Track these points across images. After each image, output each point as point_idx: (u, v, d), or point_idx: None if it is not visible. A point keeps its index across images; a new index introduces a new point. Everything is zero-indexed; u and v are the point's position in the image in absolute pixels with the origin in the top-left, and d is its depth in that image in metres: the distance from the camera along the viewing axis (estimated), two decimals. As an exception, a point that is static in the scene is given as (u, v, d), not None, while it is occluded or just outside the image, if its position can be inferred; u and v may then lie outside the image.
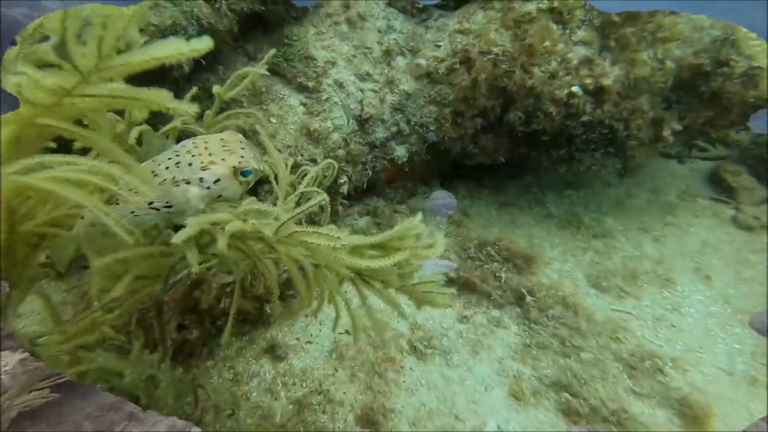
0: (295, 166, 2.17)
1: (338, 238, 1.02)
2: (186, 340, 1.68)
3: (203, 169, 0.99)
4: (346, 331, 2.06)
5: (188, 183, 0.99)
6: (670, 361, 2.05)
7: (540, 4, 2.07)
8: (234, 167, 0.99)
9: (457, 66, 2.21)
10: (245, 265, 1.26)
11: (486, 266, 2.55)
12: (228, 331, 1.22)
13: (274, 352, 1.96)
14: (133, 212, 1.03)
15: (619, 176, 3.28)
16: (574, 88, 2.05)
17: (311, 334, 2.10)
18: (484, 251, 2.62)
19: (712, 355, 2.12)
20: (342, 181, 2.34)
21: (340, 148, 2.29)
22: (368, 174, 2.54)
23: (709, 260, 2.61)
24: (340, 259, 1.04)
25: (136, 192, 0.93)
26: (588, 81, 2.03)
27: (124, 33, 0.80)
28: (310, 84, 2.24)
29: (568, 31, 2.04)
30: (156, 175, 1.00)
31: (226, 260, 1.27)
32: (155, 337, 1.39)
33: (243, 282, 1.71)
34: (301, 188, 1.62)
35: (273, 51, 1.69)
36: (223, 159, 1.00)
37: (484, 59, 2.18)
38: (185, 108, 0.85)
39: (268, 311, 2.00)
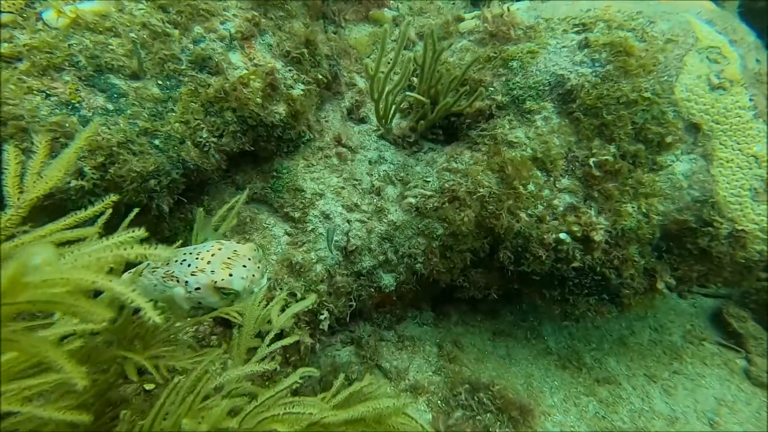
0: (269, 301, 2.05)
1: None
2: None
3: (192, 274, 1.06)
4: None
5: (178, 281, 1.08)
6: None
7: (524, 152, 2.13)
8: (214, 283, 1.04)
9: (446, 204, 2.21)
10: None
11: (479, 417, 2.26)
12: None
13: None
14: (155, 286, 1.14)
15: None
16: (562, 236, 2.01)
17: None
18: (476, 398, 2.35)
19: None
20: (322, 316, 2.19)
21: (322, 281, 2.19)
22: (352, 306, 2.40)
23: (726, 423, 2.32)
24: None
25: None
26: (575, 228, 1.99)
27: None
28: (297, 215, 2.23)
29: (552, 179, 2.07)
30: (167, 264, 1.12)
31: None
32: None
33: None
34: (275, 325, 1.50)
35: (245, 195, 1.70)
36: (212, 271, 1.05)
37: (472, 198, 2.19)
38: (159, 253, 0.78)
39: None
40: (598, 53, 2.13)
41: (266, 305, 1.52)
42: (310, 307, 2.16)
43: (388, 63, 2.30)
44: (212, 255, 1.10)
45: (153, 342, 1.47)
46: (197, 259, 1.10)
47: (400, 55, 2.13)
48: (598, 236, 1.97)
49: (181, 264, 1.12)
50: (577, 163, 2.04)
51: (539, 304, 2.42)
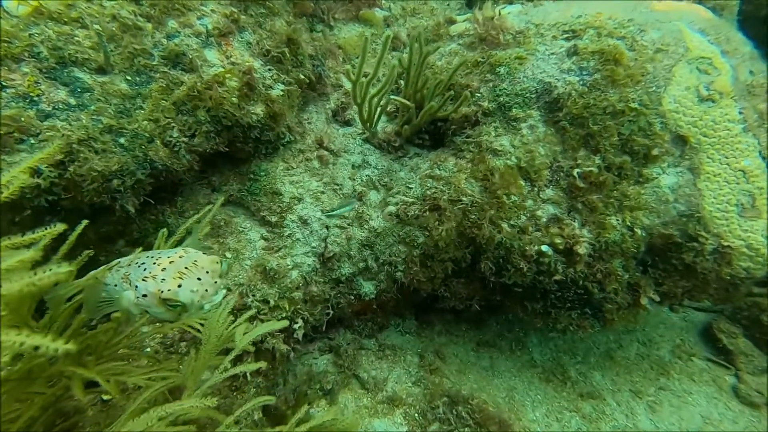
0: (241, 309, 1.97)
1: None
2: None
3: (143, 279, 1.01)
4: None
5: (130, 284, 1.04)
6: None
7: (508, 161, 2.07)
8: (160, 293, 0.98)
9: (427, 212, 2.14)
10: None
11: (455, 432, 2.19)
12: None
13: None
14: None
15: (605, 321, 3.07)
16: (544, 248, 1.95)
17: None
18: (454, 411, 2.29)
19: None
20: (297, 325, 2.11)
21: (298, 288, 2.11)
22: (329, 314, 2.32)
23: (712, 443, 2.26)
24: None
25: None
26: (558, 241, 1.93)
27: None
28: (273, 219, 2.15)
29: (536, 189, 2.01)
30: (129, 264, 1.09)
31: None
32: None
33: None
34: (238, 345, 1.41)
35: (221, 199, 1.63)
36: (162, 280, 1.00)
37: (454, 208, 2.13)
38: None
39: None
40: (586, 61, 2.08)
41: (233, 321, 1.44)
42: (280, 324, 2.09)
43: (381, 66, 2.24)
44: (170, 262, 1.04)
45: (107, 353, 1.39)
46: (154, 264, 1.04)
47: (384, 57, 2.07)
48: (581, 249, 1.91)
49: (139, 267, 1.05)
50: (561, 174, 1.98)
51: (521, 316, 2.36)
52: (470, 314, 3.04)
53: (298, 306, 2.14)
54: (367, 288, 2.43)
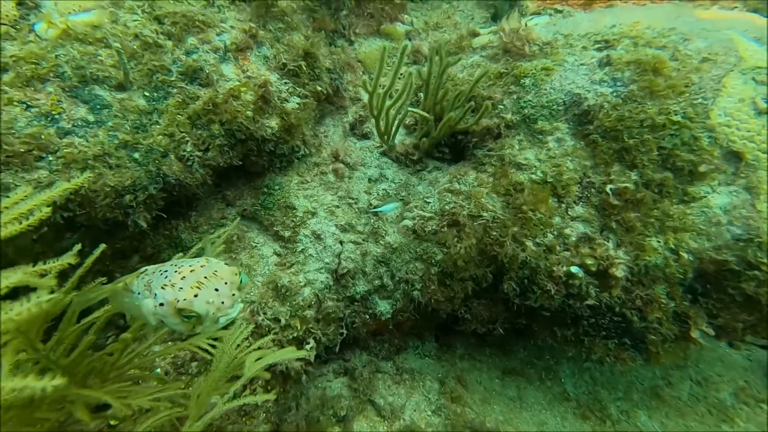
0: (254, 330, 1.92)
1: None
2: None
3: (162, 287, 0.98)
4: None
5: (150, 292, 1.01)
6: None
7: (533, 175, 1.93)
8: (176, 302, 0.95)
9: (445, 228, 2.03)
10: None
11: (477, 471, 2.00)
12: None
13: None
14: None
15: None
16: (573, 269, 1.77)
17: None
18: (475, 446, 2.10)
19: None
20: (309, 345, 2.03)
21: (310, 306, 2.04)
22: (343, 333, 2.23)
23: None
24: None
25: None
26: (590, 262, 1.75)
27: None
28: (287, 234, 2.11)
29: (564, 206, 1.85)
30: (153, 273, 1.07)
31: None
32: None
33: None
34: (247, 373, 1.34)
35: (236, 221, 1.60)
36: (180, 289, 0.97)
37: (474, 223, 2.00)
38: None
39: None
40: (620, 72, 1.92)
41: (246, 344, 1.38)
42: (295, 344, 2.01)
43: (398, 78, 2.18)
44: (191, 271, 1.01)
45: (113, 375, 1.36)
46: (176, 272, 1.01)
47: (401, 68, 2.00)
48: (617, 272, 1.72)
49: (161, 274, 1.03)
50: (592, 190, 1.81)
51: (550, 342, 2.16)
52: (495, 338, 2.85)
53: (310, 325, 2.07)
54: (383, 307, 2.32)
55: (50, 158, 1.53)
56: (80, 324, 1.11)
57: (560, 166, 1.88)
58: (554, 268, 1.82)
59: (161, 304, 0.97)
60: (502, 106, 2.15)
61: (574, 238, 1.80)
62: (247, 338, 1.36)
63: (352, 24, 2.85)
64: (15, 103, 1.52)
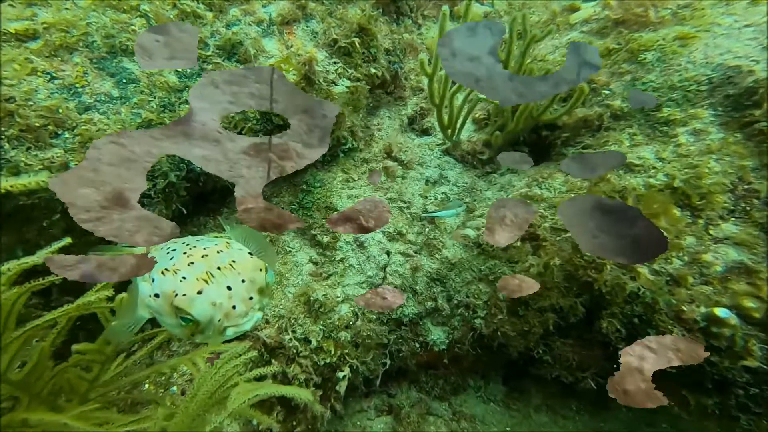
0: (277, 348, 1.61)
1: None
2: None
3: (162, 272, 0.72)
4: None
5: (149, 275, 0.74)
6: None
7: (651, 179, 1.41)
8: (174, 295, 0.69)
9: (518, 243, 1.57)
10: None
11: None
12: None
13: None
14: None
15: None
16: (720, 312, 1.21)
17: None
18: None
19: None
20: (341, 374, 1.67)
21: (347, 327, 1.69)
22: (387, 363, 1.84)
23: None
24: None
25: None
26: (749, 304, 1.19)
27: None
28: (325, 239, 1.79)
29: (702, 222, 1.30)
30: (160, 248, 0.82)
31: None
32: None
33: None
34: (229, 408, 1.02)
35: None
36: (183, 278, 0.70)
37: (557, 239, 1.52)
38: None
39: None
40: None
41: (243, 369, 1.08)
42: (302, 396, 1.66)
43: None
44: (203, 256, 0.74)
45: (93, 395, 1.11)
46: (184, 253, 0.75)
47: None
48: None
49: (167, 254, 0.78)
50: (754, 201, 1.24)
51: (678, 412, 1.56)
52: (586, 389, 2.25)
53: (346, 350, 1.71)
54: (437, 335, 1.90)
55: (66, 135, 1.36)
56: (25, 328, 0.85)
57: (698, 167, 1.34)
58: (684, 307, 1.27)
59: (157, 295, 0.71)
60: (607, 91, 1.66)
61: (719, 268, 1.24)
62: (247, 364, 1.03)
63: (420, 6, 2.52)
64: (39, 74, 1.38)
